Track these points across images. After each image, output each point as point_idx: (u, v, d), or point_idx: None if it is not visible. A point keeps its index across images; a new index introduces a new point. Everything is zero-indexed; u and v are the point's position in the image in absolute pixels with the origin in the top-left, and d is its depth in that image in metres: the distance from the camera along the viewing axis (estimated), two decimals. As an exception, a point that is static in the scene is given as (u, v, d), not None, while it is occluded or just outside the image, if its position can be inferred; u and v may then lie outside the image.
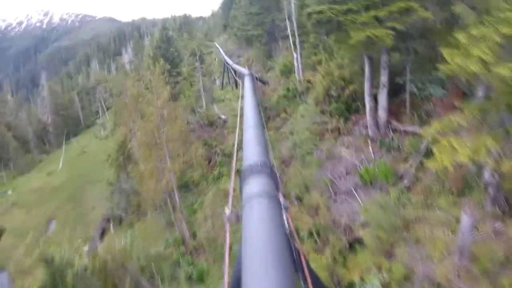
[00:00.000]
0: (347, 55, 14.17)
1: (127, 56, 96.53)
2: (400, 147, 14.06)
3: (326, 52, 21.26)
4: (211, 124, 29.89)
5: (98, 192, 34.42)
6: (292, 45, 27.34)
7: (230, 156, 26.40)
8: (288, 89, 26.89)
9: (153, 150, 17.03)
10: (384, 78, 13.87)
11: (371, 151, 14.77)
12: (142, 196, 19.00)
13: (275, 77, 33.11)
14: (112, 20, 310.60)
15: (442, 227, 9.75)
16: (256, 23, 37.22)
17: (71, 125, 74.82)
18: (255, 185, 3.20)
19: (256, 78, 31.29)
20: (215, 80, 49.90)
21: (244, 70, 32.34)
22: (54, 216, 36.22)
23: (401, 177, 13.05)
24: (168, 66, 31.85)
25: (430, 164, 7.66)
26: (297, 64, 26.34)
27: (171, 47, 36.91)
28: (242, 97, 16.35)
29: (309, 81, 25.01)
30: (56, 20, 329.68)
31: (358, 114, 17.09)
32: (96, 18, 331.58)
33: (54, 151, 66.29)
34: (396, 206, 11.45)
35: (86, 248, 26.53)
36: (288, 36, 27.80)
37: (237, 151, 8.15)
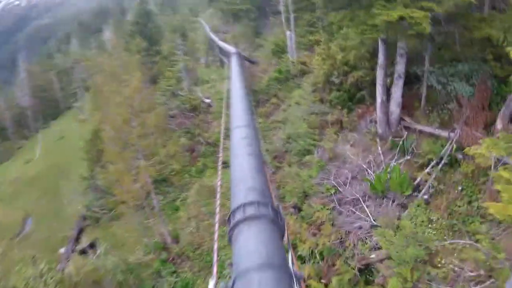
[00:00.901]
0: (357, 37, 11.70)
1: (108, 33, 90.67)
2: (415, 149, 11.95)
3: (325, 31, 18.55)
4: (194, 109, 27.02)
5: (75, 183, 32.12)
6: (284, 22, 24.44)
7: (215, 145, 24.04)
8: (280, 71, 24.28)
9: (123, 148, 14.45)
10: (400, 67, 11.54)
11: (380, 152, 12.63)
12: (116, 199, 16.53)
13: (265, 56, 30.26)
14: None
15: (478, 267, 7.79)
16: (244, -4, 33.86)
17: (50, 108, 70.78)
18: (252, 245, 2.35)
19: (244, 58, 28.53)
20: (200, 58, 46.40)
21: (231, 48, 29.49)
22: (31, 211, 34.25)
23: (417, 188, 11.02)
24: (145, 44, 28.43)
25: (491, 208, 5.52)
26: (290, 43, 23.56)
27: (150, 23, 33.23)
28: (229, 78, 14.84)
29: (304, 63, 22.42)
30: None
31: (363, 105, 14.81)
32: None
33: (34, 136, 63.13)
34: (417, 228, 9.46)
35: (62, 250, 24.34)
36: (280, 12, 24.79)
37: (224, 139, 7.72)
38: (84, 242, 23.06)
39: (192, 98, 27.94)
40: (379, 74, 12.11)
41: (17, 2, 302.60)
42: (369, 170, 12.19)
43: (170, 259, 17.80)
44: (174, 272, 16.85)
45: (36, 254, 26.59)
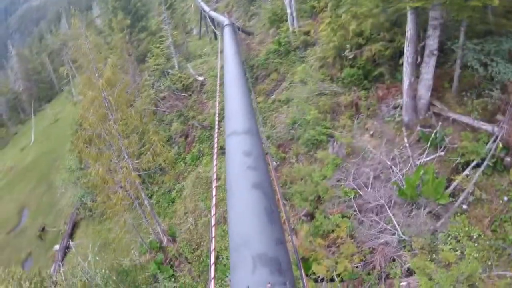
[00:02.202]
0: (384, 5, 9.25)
1: (98, 9, 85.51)
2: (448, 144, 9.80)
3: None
4: (186, 89, 24.55)
5: (68, 174, 30.65)
6: (282, -14, 21.36)
7: (211, 128, 21.94)
8: (279, 43, 21.54)
9: (104, 148, 12.37)
10: (433, 42, 9.18)
11: (407, 145, 10.53)
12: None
13: (262, 26, 27.23)
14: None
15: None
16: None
17: (44, 90, 68.94)
18: None
19: (238, 29, 25.64)
20: (192, 29, 42.89)
21: (224, 19, 26.44)
22: (27, 202, 33.03)
23: (452, 193, 9.04)
24: (128, 21, 25.39)
25: None
26: (290, 10, 20.64)
27: (133, -4, 29.73)
28: (222, 53, 12.61)
29: (307, 33, 19.71)
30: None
31: (383, 86, 12.48)
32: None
33: (29, 120, 61.98)
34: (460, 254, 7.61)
35: (57, 247, 23.13)
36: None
37: (219, 121, 6.97)
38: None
39: (184, 76, 25.37)
40: (408, 50, 9.70)
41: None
42: (394, 168, 10.17)
43: (167, 261, 16.37)
44: (173, 276, 15.45)
45: (32, 250, 25.79)
